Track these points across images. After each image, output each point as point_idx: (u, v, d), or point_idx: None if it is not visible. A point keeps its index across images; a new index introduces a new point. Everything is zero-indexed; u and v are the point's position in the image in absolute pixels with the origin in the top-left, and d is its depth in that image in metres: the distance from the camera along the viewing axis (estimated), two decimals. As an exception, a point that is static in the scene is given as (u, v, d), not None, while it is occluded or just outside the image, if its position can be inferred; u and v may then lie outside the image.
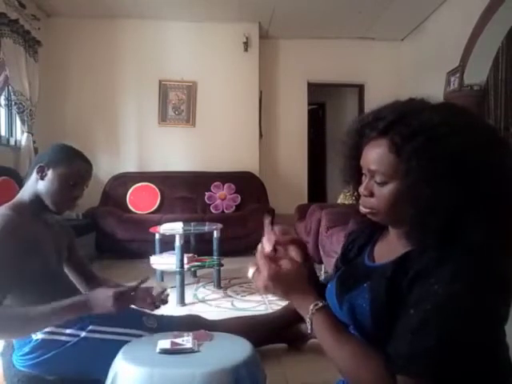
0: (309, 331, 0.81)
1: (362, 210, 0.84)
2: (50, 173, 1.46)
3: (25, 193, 1.48)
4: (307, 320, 0.81)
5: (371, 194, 0.81)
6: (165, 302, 1.60)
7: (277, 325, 2.03)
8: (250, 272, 0.85)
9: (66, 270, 1.67)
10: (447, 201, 0.71)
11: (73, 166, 1.49)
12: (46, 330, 1.41)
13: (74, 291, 1.63)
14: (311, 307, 0.80)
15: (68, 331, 1.43)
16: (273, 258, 0.85)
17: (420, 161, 0.72)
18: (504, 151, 0.77)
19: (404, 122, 0.76)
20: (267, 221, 0.90)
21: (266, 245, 0.87)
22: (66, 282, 1.62)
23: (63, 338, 1.42)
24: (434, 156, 0.72)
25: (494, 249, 0.72)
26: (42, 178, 1.46)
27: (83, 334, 1.42)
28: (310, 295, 0.82)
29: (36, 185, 1.47)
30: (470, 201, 0.72)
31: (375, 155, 0.79)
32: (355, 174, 0.87)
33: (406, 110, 0.78)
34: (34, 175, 1.47)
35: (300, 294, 0.83)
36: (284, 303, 2.19)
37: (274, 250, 0.87)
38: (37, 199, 1.47)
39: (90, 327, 1.44)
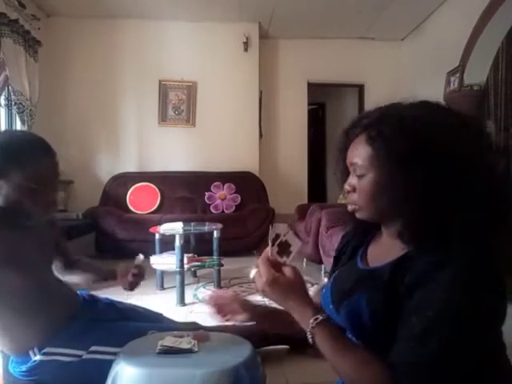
0: (310, 343, 0.81)
1: (349, 207, 0.87)
2: (2, 183, 1.17)
3: None
4: (308, 334, 0.81)
5: (354, 190, 0.84)
6: (141, 275, 1.58)
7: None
8: (252, 273, 0.86)
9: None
10: (418, 193, 0.73)
11: (27, 168, 1.18)
12: (45, 350, 1.33)
13: (61, 293, 1.47)
14: (311, 321, 0.80)
15: (68, 351, 1.35)
16: (276, 264, 0.85)
17: (388, 152, 0.77)
18: (475, 141, 0.78)
19: (383, 119, 0.81)
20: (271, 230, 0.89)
21: (270, 248, 0.86)
22: (55, 288, 1.45)
23: (62, 358, 1.34)
24: (401, 148, 0.75)
25: (491, 250, 0.72)
26: None
27: (84, 354, 1.35)
28: (308, 307, 0.82)
29: None
30: (462, 201, 0.73)
31: (355, 149, 0.84)
32: (347, 176, 0.89)
33: (388, 111, 0.83)
34: None
35: (298, 305, 0.83)
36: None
37: (279, 254, 0.87)
38: (1, 211, 1.22)
39: (92, 348, 1.36)
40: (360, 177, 0.82)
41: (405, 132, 0.76)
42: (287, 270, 0.85)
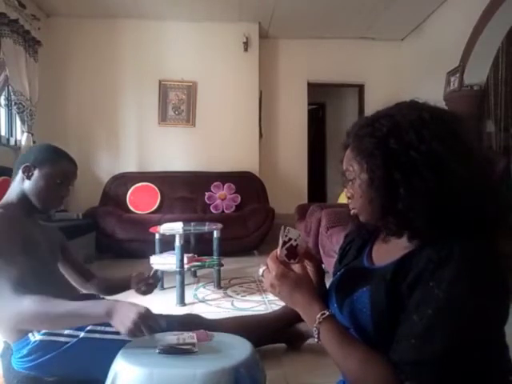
0: (315, 340, 0.81)
1: (351, 212, 0.89)
2: (36, 172, 1.49)
3: (12, 193, 1.51)
4: (314, 329, 0.81)
5: (352, 196, 0.87)
6: (154, 284, 1.69)
7: (276, 325, 2.02)
8: (261, 270, 0.88)
9: (63, 271, 1.67)
10: (390, 188, 0.76)
11: (58, 165, 1.52)
12: (44, 330, 1.37)
13: (72, 290, 1.63)
14: (318, 316, 0.80)
15: (66, 332, 1.39)
16: (284, 262, 0.87)
17: (360, 151, 0.82)
18: (447, 134, 0.77)
19: (363, 124, 0.84)
20: (283, 232, 0.90)
21: (279, 250, 0.88)
22: (63, 282, 1.62)
23: (61, 338, 1.38)
24: (370, 146, 0.80)
25: (492, 249, 0.72)
26: (29, 178, 1.49)
27: (82, 334, 1.38)
28: (315, 303, 0.83)
29: (22, 184, 1.49)
30: (449, 196, 0.73)
31: (346, 157, 0.88)
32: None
33: (371, 116, 0.85)
34: (20, 175, 1.50)
35: (305, 299, 0.83)
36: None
37: (287, 257, 0.89)
38: (24, 199, 1.49)
39: (90, 327, 1.39)
40: (352, 182, 0.86)
41: (375, 130, 0.80)
42: (297, 267, 0.87)
